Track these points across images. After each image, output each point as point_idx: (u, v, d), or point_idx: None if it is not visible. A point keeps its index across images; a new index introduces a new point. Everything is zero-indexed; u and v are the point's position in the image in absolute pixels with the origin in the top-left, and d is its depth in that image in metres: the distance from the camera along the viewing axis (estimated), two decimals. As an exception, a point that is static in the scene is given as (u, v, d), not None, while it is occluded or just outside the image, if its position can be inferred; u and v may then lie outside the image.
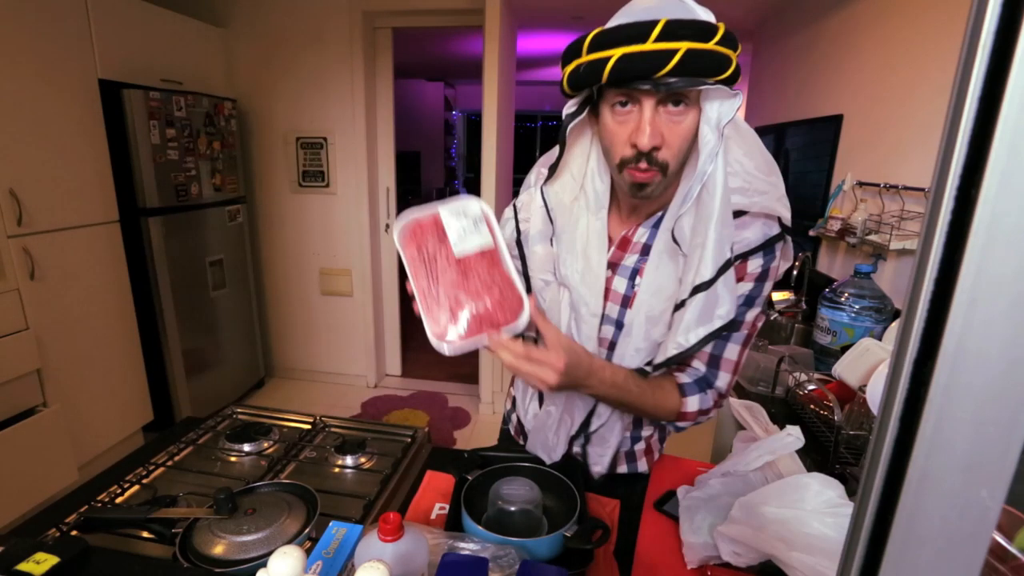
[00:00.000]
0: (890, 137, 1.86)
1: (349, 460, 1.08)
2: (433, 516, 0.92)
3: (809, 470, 0.84)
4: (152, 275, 2.50)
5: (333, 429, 1.22)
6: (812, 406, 1.39)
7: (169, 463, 1.05)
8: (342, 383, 3.48)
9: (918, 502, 0.26)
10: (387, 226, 3.37)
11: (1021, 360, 0.23)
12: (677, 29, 0.63)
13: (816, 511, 0.72)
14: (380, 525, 0.62)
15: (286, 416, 1.24)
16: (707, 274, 0.76)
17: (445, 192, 8.14)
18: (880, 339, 1.49)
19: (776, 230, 0.80)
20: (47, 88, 2.05)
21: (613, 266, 0.87)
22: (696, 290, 0.77)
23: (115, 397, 2.42)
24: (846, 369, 1.34)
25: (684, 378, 0.88)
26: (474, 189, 8.06)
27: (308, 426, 1.21)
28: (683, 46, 0.63)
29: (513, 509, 0.80)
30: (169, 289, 2.55)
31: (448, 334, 0.75)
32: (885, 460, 0.26)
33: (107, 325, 2.36)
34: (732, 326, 0.82)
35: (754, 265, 0.81)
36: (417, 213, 0.78)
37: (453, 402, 3.27)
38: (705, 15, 0.69)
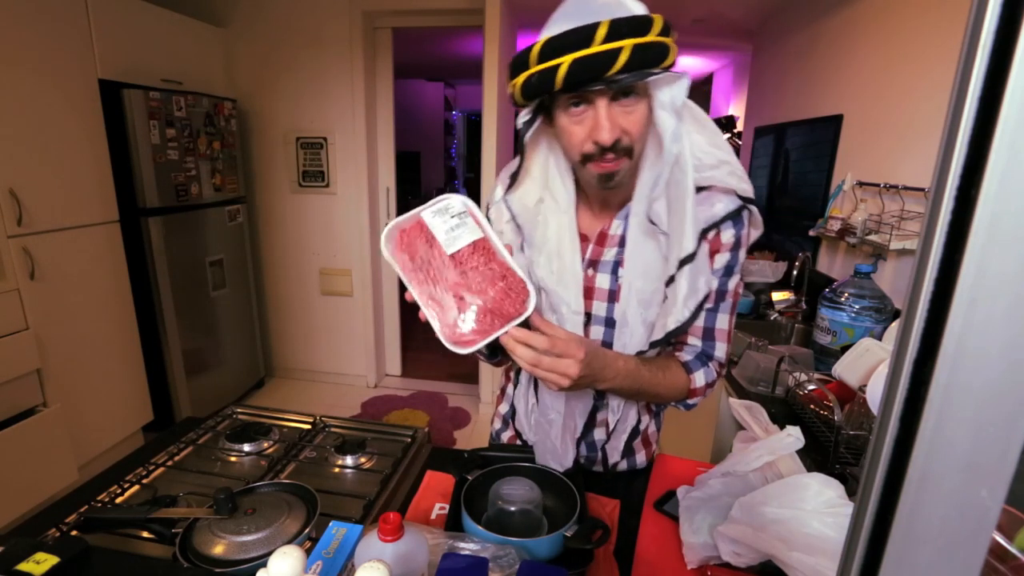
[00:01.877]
0: (890, 137, 1.86)
1: (349, 460, 1.08)
2: (433, 516, 0.92)
3: (809, 470, 0.83)
4: (152, 275, 2.50)
5: (333, 429, 1.22)
6: (812, 406, 1.39)
7: (169, 463, 1.05)
8: (342, 383, 3.48)
9: (918, 502, 0.26)
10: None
11: (1021, 360, 0.23)
12: (621, 28, 0.66)
13: (816, 511, 0.72)
14: (380, 525, 0.62)
15: (286, 416, 1.24)
16: (690, 247, 0.79)
17: (445, 192, 8.11)
18: (880, 339, 1.49)
19: (734, 204, 0.82)
20: (47, 88, 2.05)
21: (594, 263, 0.88)
22: (683, 263, 0.80)
23: (115, 397, 2.42)
24: (846, 369, 1.34)
25: (685, 356, 0.90)
26: (474, 189, 8.05)
27: (308, 426, 1.21)
28: (628, 43, 0.66)
29: (513, 509, 0.80)
30: (169, 289, 2.55)
31: (460, 334, 0.74)
32: (885, 460, 0.26)
33: (107, 325, 2.36)
34: (719, 296, 0.87)
35: (727, 236, 0.84)
36: (399, 220, 0.76)
37: (453, 402, 3.27)
38: (638, 8, 0.70)
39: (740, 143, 3.75)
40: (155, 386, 2.62)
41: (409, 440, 1.16)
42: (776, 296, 2.23)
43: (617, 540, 0.87)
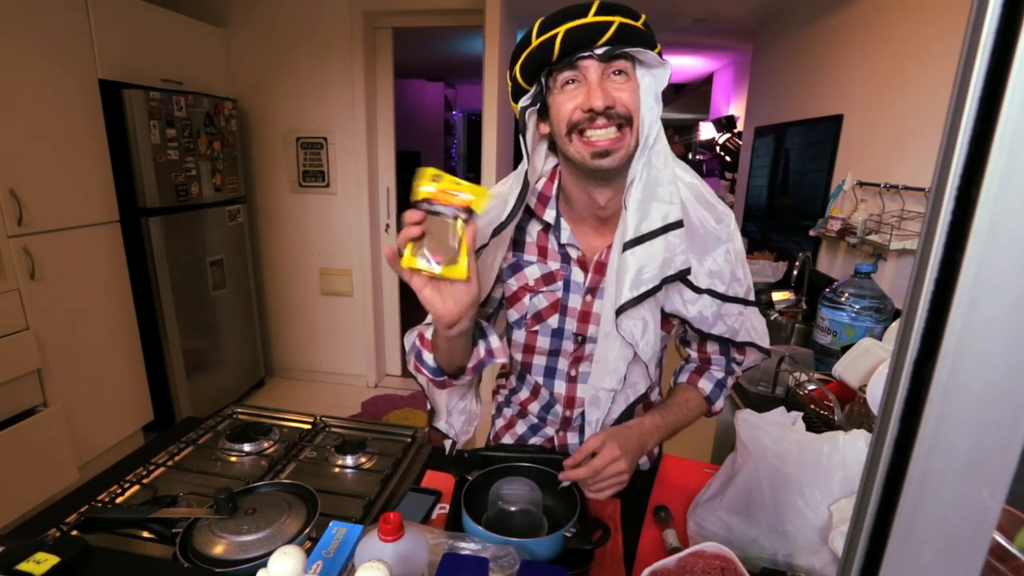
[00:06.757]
0: (890, 137, 1.86)
1: (349, 460, 1.08)
2: (433, 516, 0.92)
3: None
4: (152, 275, 2.50)
5: (333, 429, 1.22)
6: (812, 406, 1.39)
7: (169, 463, 1.05)
8: (342, 383, 3.48)
9: (918, 502, 0.25)
10: (387, 226, 3.37)
11: (1022, 361, 0.23)
12: (611, 7, 0.72)
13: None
14: (380, 525, 0.62)
15: (286, 416, 1.24)
16: (642, 227, 0.77)
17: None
18: (880, 339, 1.49)
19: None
20: (47, 88, 2.05)
21: (592, 291, 0.88)
22: (633, 243, 0.78)
23: (115, 397, 2.42)
24: (846, 369, 1.34)
25: (705, 386, 0.96)
26: (474, 189, 8.02)
27: (308, 426, 1.21)
28: (617, 19, 0.71)
29: (513, 509, 0.80)
30: (169, 289, 2.55)
31: None
32: (885, 460, 0.26)
33: (107, 325, 2.36)
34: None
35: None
36: None
37: (453, 402, 3.27)
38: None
39: (740, 143, 3.74)
40: (155, 386, 2.62)
41: (409, 440, 1.16)
42: (776, 296, 2.23)
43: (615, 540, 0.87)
